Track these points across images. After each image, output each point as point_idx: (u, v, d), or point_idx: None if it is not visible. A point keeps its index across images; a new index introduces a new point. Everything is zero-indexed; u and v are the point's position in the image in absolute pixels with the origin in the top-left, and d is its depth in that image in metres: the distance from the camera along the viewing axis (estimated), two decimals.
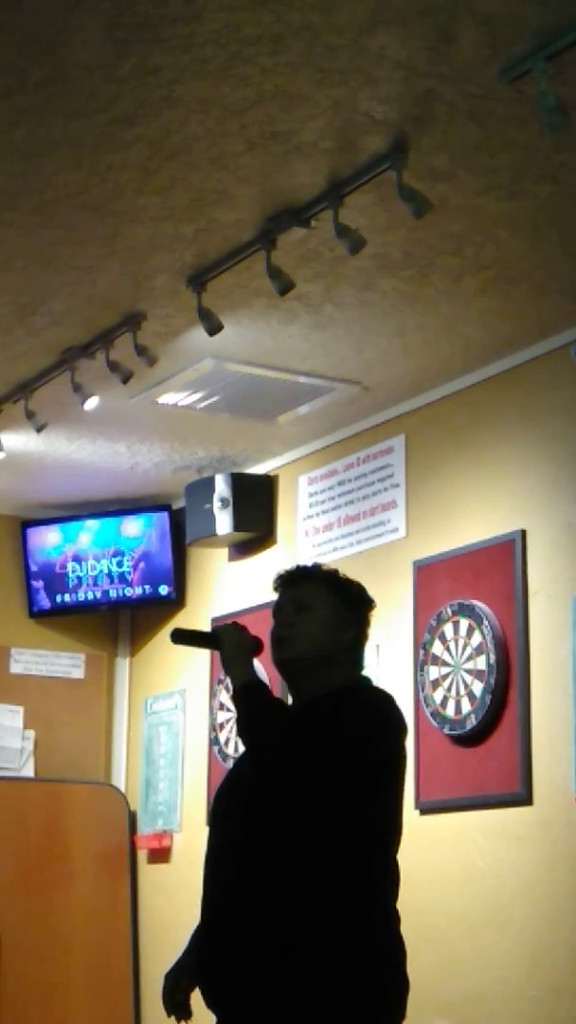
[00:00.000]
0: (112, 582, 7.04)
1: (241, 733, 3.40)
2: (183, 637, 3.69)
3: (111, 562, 7.03)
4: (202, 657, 6.67)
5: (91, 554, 7.07)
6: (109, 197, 4.19)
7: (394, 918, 3.32)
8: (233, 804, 3.40)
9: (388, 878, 3.33)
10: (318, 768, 3.23)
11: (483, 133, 3.82)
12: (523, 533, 5.10)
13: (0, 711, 7.07)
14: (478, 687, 5.15)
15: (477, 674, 5.16)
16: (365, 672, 3.55)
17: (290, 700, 3.54)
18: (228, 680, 3.54)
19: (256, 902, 3.23)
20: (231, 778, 3.48)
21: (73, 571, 7.10)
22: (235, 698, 3.42)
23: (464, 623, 5.25)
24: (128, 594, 7.03)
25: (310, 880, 3.21)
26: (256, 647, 3.51)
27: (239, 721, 3.39)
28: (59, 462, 6.49)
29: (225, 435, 6.20)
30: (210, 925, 3.33)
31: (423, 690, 5.38)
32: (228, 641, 3.49)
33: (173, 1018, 3.46)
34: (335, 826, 3.23)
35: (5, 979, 6.62)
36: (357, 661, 3.52)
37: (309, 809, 3.23)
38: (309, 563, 3.67)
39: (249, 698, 3.38)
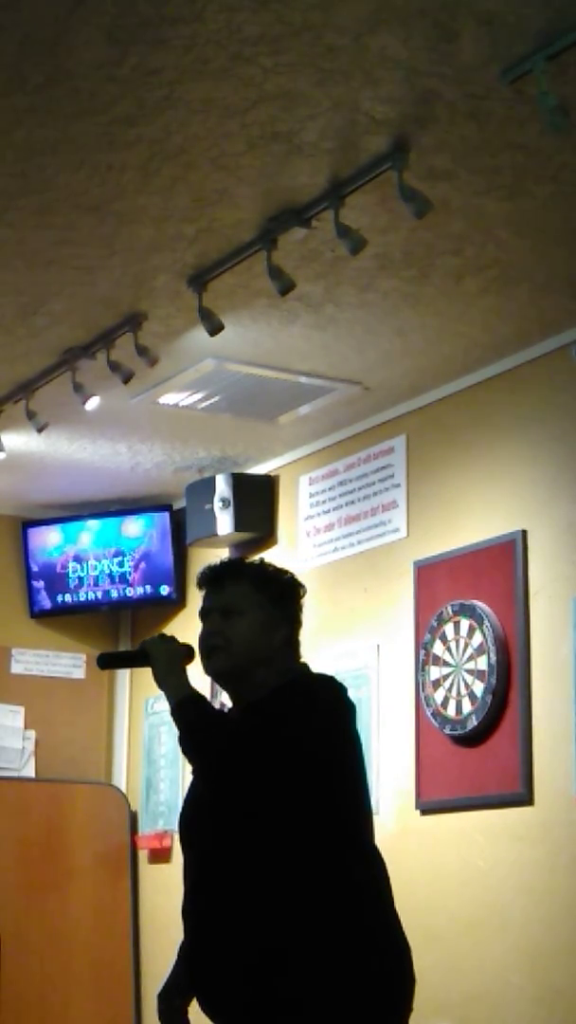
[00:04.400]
0: (113, 582, 7.04)
1: (185, 751, 3.32)
2: (111, 661, 3.61)
3: (112, 562, 7.03)
4: None
5: (92, 554, 7.07)
6: (110, 197, 4.19)
7: (389, 911, 3.26)
8: (200, 818, 3.34)
9: (371, 868, 3.27)
10: (267, 773, 3.17)
11: (484, 133, 3.82)
12: (524, 533, 5.10)
13: (1, 711, 7.07)
14: (479, 687, 5.15)
15: (478, 674, 5.16)
16: (304, 660, 3.46)
17: (225, 698, 3.46)
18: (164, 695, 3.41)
19: (240, 912, 3.18)
20: (193, 792, 3.41)
21: (74, 571, 7.11)
22: (174, 715, 3.32)
23: (465, 623, 5.25)
24: (129, 594, 7.03)
25: (288, 882, 3.16)
26: (188, 654, 3.41)
27: (181, 739, 3.30)
28: (60, 462, 6.49)
29: (226, 435, 6.20)
30: (198, 942, 3.27)
31: (424, 690, 5.39)
32: (158, 656, 3.39)
33: None
34: (300, 824, 3.18)
35: (6, 979, 6.62)
36: (294, 653, 3.43)
37: (270, 813, 3.18)
38: (233, 557, 3.57)
39: (187, 714, 3.30)
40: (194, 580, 7.16)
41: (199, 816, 3.35)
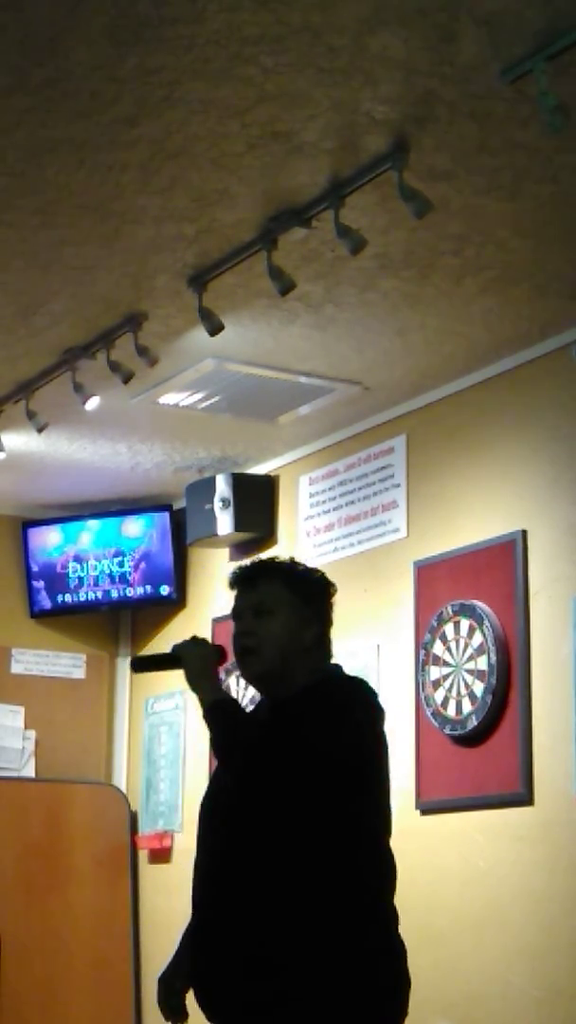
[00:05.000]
0: (113, 582, 7.04)
1: (217, 753, 3.35)
2: (144, 664, 3.63)
3: (112, 562, 7.03)
4: None
5: (92, 554, 7.07)
6: (110, 197, 4.19)
7: (390, 914, 3.29)
8: (217, 818, 3.35)
9: (382, 872, 3.29)
10: (292, 773, 3.19)
11: (484, 133, 3.82)
12: (524, 533, 5.10)
13: (1, 711, 7.07)
14: (479, 687, 5.15)
15: (478, 674, 5.16)
16: (335, 661, 3.50)
17: (246, 689, 3.47)
18: (197, 698, 3.43)
19: (248, 912, 3.20)
20: (212, 791, 3.43)
21: (74, 571, 7.11)
22: (206, 718, 3.36)
23: (465, 623, 5.25)
24: (129, 594, 7.03)
25: (300, 886, 3.17)
26: (219, 656, 3.44)
27: (212, 742, 3.34)
28: (60, 462, 6.49)
29: (226, 435, 6.20)
30: (204, 939, 3.29)
31: (424, 690, 5.39)
32: (190, 659, 3.42)
33: (171, 1022, 3.45)
34: (320, 830, 3.20)
35: (5, 979, 6.62)
36: (325, 652, 3.47)
37: (294, 816, 3.19)
38: (264, 557, 3.60)
39: (219, 718, 3.33)
40: (194, 580, 7.21)
41: (219, 808, 3.37)
